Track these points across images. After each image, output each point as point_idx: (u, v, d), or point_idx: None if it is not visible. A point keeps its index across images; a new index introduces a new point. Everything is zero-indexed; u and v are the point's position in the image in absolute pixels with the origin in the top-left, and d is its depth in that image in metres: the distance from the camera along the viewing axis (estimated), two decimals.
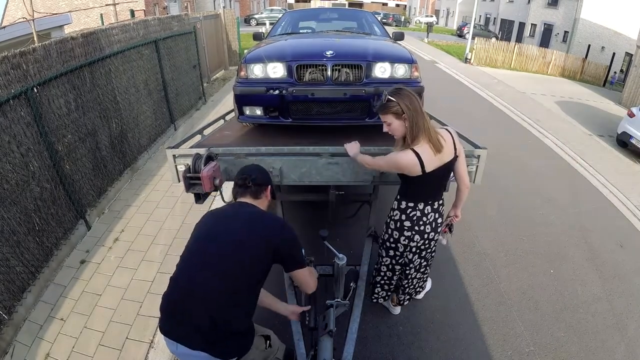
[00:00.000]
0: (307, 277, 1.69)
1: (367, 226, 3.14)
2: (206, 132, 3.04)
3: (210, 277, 1.45)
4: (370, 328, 2.72)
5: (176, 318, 1.46)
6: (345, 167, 2.41)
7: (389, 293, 2.70)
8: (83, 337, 2.66)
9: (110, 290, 3.06)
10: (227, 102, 7.96)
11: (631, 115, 6.96)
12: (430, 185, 2.08)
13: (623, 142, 7.05)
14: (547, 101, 10.34)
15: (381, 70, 2.63)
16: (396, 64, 2.64)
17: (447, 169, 2.05)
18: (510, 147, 6.42)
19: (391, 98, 1.87)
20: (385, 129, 1.98)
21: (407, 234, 2.20)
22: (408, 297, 2.70)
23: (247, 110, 2.74)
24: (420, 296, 2.92)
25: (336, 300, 2.21)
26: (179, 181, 2.41)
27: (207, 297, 1.43)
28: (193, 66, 7.37)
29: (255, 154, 2.40)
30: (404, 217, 2.18)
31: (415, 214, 2.15)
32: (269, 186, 1.78)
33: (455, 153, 2.04)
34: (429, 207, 2.14)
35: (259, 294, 1.60)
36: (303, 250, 1.68)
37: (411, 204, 2.14)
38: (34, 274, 3.00)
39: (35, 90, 3.09)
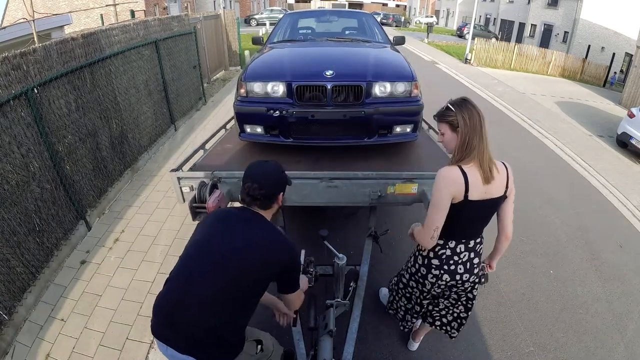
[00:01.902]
0: (295, 301, 1.69)
1: (367, 226, 3.14)
2: (208, 145, 3.10)
3: (206, 282, 1.41)
4: (370, 328, 2.73)
5: (167, 320, 1.42)
6: (344, 190, 2.46)
7: (414, 321, 2.42)
8: (83, 337, 2.67)
9: (111, 291, 3.06)
10: (228, 103, 7.97)
11: (631, 115, 6.97)
12: (466, 221, 1.77)
13: (623, 143, 7.06)
14: (547, 101, 10.35)
15: (381, 89, 2.66)
16: (396, 82, 2.67)
17: (491, 206, 1.74)
18: (510, 148, 6.43)
19: (450, 107, 1.67)
20: (438, 139, 1.83)
21: (435, 272, 1.90)
22: (445, 327, 2.25)
23: (248, 129, 2.81)
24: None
25: (336, 300, 2.23)
26: (183, 201, 2.50)
27: (200, 302, 1.39)
28: (193, 66, 7.37)
29: None
30: (432, 254, 1.89)
31: (444, 253, 1.85)
32: (282, 193, 1.61)
33: (506, 192, 1.73)
34: (462, 246, 1.84)
35: (253, 307, 1.54)
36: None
37: (440, 242, 1.83)
38: (34, 275, 3.00)
39: (36, 90, 3.09)
